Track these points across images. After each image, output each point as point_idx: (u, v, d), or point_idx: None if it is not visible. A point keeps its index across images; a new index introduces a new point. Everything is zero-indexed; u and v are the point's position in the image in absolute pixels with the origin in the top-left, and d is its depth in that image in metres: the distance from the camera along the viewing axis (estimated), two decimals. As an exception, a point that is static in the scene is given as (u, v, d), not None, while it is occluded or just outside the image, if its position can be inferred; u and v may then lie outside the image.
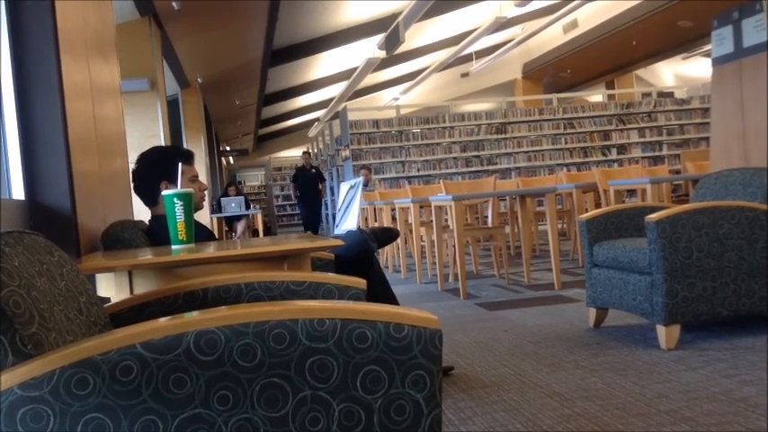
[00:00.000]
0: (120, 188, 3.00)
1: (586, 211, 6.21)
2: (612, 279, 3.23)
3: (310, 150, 14.64)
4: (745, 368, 2.54)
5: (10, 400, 0.89)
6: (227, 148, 20.09)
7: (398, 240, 6.26)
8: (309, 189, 12.65)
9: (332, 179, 13.34)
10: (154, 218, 2.47)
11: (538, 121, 12.10)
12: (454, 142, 11.77)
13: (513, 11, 11.03)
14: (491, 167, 11.75)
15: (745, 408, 2.13)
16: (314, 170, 12.81)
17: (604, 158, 12.19)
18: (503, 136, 11.93)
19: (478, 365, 2.90)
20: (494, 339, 3.38)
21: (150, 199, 2.46)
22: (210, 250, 1.91)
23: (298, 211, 14.24)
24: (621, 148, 12.33)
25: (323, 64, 13.17)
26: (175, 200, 2.05)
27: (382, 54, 10.94)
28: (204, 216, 9.35)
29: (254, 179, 26.30)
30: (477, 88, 17.32)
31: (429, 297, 5.02)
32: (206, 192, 2.64)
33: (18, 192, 2.15)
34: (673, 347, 2.89)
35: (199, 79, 10.08)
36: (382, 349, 0.99)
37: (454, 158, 11.75)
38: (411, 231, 6.60)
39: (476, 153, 11.83)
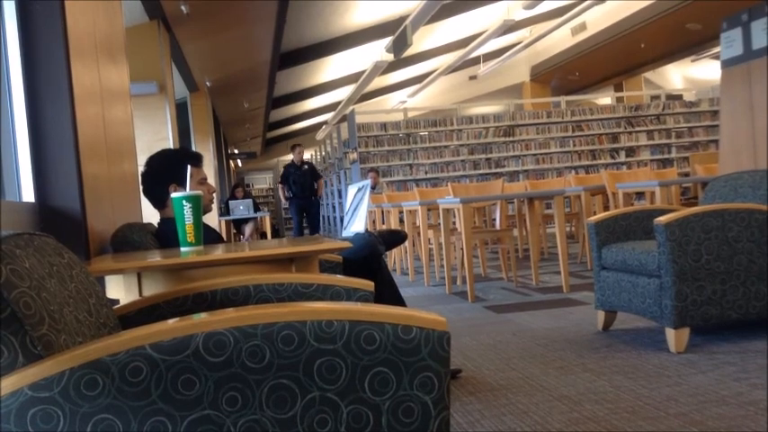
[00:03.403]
0: (129, 191, 3.01)
1: (595, 213, 6.19)
2: (621, 282, 3.22)
3: (302, 144, 11.92)
4: (755, 371, 2.53)
5: (20, 401, 0.90)
6: (236, 151, 20.15)
7: (406, 243, 6.25)
8: (304, 188, 10.51)
9: (339, 182, 13.33)
10: (163, 220, 2.48)
11: (546, 123, 12.08)
12: (462, 145, 11.77)
13: (520, 13, 11.03)
14: (499, 170, 11.74)
15: (755, 411, 2.11)
16: (306, 166, 10.72)
17: (613, 161, 12.16)
18: (511, 138, 11.92)
19: (486, 368, 2.90)
20: (502, 342, 3.37)
21: (159, 201, 2.47)
22: (219, 252, 1.92)
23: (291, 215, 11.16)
24: (630, 151, 12.29)
25: (331, 67, 13.20)
26: (184, 202, 2.06)
27: (390, 57, 10.95)
28: (212, 219, 9.37)
29: (262, 182, 26.37)
30: (485, 91, 17.32)
31: (437, 300, 5.02)
32: (214, 194, 2.65)
33: (28, 194, 2.16)
34: (682, 351, 2.88)
35: (207, 82, 10.12)
36: (390, 351, 0.99)
37: (462, 161, 11.74)
38: (419, 234, 6.60)
39: (484, 156, 11.82)
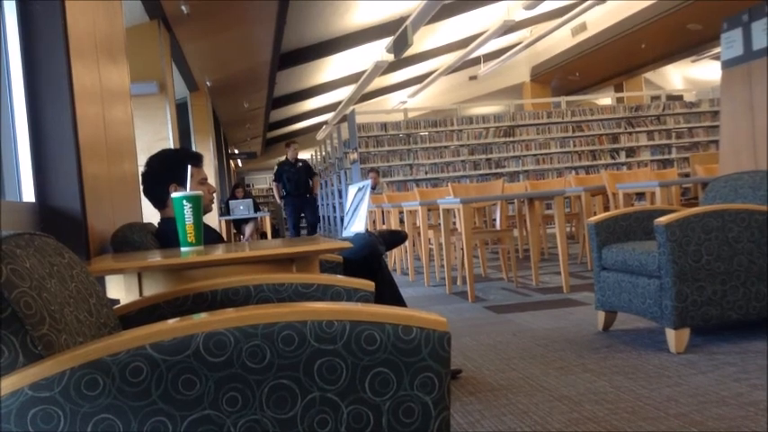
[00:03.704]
0: (129, 191, 3.01)
1: (595, 214, 6.19)
2: (621, 282, 3.22)
3: (297, 141, 11.16)
4: (755, 372, 2.53)
5: (20, 401, 0.90)
6: (236, 151, 20.17)
7: (406, 243, 6.25)
8: (299, 186, 10.06)
9: (340, 182, 13.34)
10: (163, 220, 2.48)
11: (546, 124, 12.08)
12: (462, 145, 11.77)
13: (521, 14, 11.04)
14: (499, 170, 11.74)
15: (755, 412, 2.11)
16: (300, 164, 10.25)
17: (613, 161, 12.16)
18: (511, 139, 11.92)
19: (487, 369, 2.90)
20: (502, 342, 3.37)
21: (159, 201, 2.47)
22: (219, 252, 1.92)
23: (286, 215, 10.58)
24: (630, 152, 12.29)
25: (331, 67, 13.20)
26: (184, 202, 2.06)
27: (390, 57, 10.95)
28: (213, 219, 9.37)
29: (262, 182, 26.39)
30: (486, 91, 17.33)
31: (437, 300, 5.02)
32: (215, 194, 2.65)
33: (29, 194, 2.16)
34: (682, 351, 2.88)
35: (207, 82, 10.12)
36: (391, 351, 0.99)
37: (462, 161, 11.74)
38: (419, 234, 6.60)
39: (484, 156, 11.82)
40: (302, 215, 10.34)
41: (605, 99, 16.69)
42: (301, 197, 10.11)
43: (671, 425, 2.06)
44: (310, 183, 10.23)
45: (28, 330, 0.94)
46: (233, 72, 10.48)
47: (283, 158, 10.29)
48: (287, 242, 2.33)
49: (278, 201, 10.58)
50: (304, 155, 20.54)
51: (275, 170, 10.52)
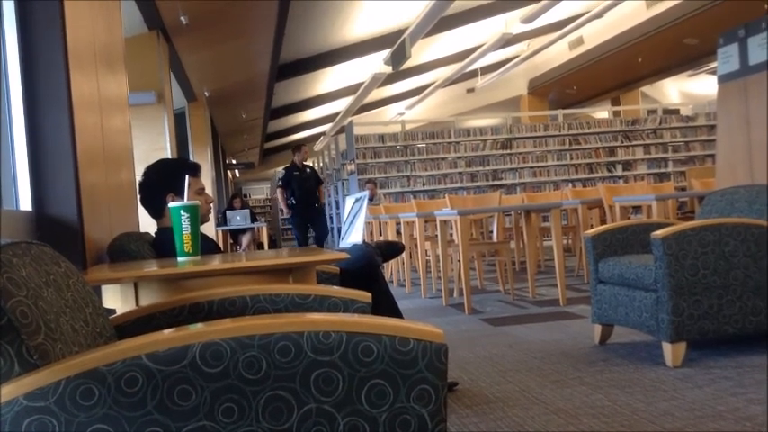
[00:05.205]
0: (126, 200, 3.01)
1: (592, 227, 6.20)
2: (618, 295, 3.22)
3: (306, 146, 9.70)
4: (752, 387, 2.53)
5: (15, 411, 0.89)
6: (234, 162, 20.17)
7: (403, 255, 6.25)
8: (308, 194, 8.88)
9: (337, 193, 13.34)
10: (160, 230, 2.47)
11: (543, 136, 12.11)
12: (459, 157, 11.79)
13: (518, 27, 11.09)
14: (496, 183, 11.76)
15: (751, 427, 2.11)
16: (309, 169, 9.14)
17: (610, 175, 12.19)
18: (508, 151, 11.94)
19: (483, 381, 2.89)
20: (498, 355, 3.36)
21: (157, 211, 2.47)
22: (216, 262, 1.92)
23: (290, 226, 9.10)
24: (627, 165, 12.33)
25: (329, 79, 13.23)
26: (182, 212, 2.06)
27: (388, 69, 10.98)
28: (209, 229, 9.34)
29: (259, 192, 26.38)
30: (483, 104, 17.38)
31: (433, 312, 5.01)
32: (212, 204, 2.65)
33: (25, 203, 2.16)
34: (679, 365, 2.88)
35: (206, 93, 10.13)
36: (387, 363, 0.99)
37: (459, 173, 11.76)
38: (416, 246, 6.60)
39: (481, 168, 11.85)
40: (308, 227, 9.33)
41: (602, 112, 16.73)
42: (309, 207, 8.97)
43: (667, 439, 2.06)
44: (319, 191, 9.24)
45: (24, 339, 0.94)
46: (231, 83, 10.50)
47: (289, 164, 9.20)
48: (284, 253, 2.33)
49: (284, 210, 9.32)
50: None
51: (282, 175, 9.35)
